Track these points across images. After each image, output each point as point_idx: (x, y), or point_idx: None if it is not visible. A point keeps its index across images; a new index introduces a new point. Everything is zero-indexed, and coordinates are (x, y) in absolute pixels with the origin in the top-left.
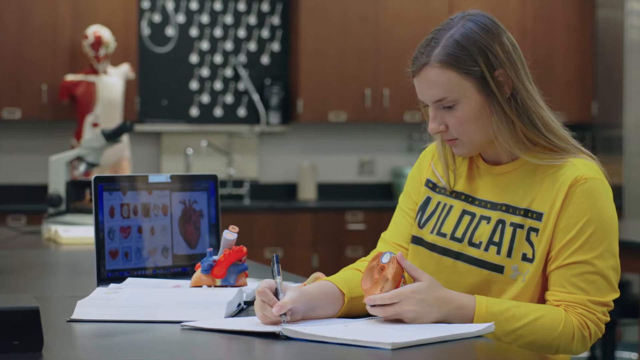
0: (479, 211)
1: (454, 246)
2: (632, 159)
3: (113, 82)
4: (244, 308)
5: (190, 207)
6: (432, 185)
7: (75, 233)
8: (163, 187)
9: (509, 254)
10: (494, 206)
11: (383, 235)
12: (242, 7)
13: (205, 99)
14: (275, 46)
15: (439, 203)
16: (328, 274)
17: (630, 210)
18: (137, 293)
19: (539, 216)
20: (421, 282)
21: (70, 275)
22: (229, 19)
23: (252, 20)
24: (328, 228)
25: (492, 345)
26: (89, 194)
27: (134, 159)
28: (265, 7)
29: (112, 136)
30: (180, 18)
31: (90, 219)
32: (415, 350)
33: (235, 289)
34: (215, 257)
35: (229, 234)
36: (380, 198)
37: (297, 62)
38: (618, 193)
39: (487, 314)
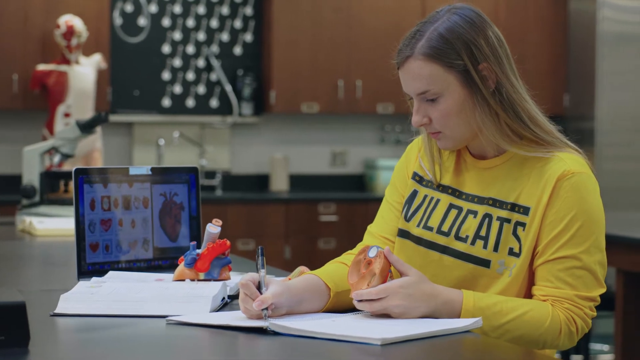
0: (465, 205)
1: (441, 240)
2: (604, 151)
3: (85, 72)
4: (228, 302)
5: (171, 200)
6: (418, 179)
7: (50, 225)
8: (144, 180)
9: (495, 249)
10: (480, 200)
11: (369, 227)
12: None
13: (178, 89)
14: (248, 37)
15: (425, 196)
16: (300, 265)
17: (602, 202)
18: (120, 287)
19: (525, 210)
20: (408, 277)
21: (48, 267)
22: (201, 9)
23: (225, 10)
24: (300, 219)
25: (479, 341)
26: (64, 185)
27: (105, 149)
28: None
29: (86, 127)
30: (153, 8)
31: (65, 210)
32: (405, 345)
33: (219, 283)
34: (199, 251)
35: (213, 228)
36: (352, 189)
37: (270, 53)
38: None
39: (475, 309)
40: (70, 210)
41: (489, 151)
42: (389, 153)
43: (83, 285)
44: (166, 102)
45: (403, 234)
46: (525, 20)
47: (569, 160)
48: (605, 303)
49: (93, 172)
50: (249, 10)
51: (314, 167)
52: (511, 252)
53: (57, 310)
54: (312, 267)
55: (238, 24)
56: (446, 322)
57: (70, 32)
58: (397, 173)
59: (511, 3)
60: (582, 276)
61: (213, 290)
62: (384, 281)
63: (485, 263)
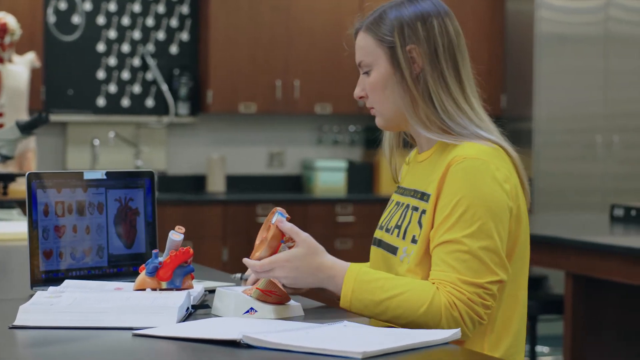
0: (401, 199)
1: (378, 234)
2: (542, 151)
3: (18, 70)
4: (192, 312)
5: (126, 205)
6: (396, 188)
7: None
8: (98, 185)
9: (403, 236)
10: (409, 192)
11: None
12: None
13: (113, 88)
14: (185, 35)
15: (390, 201)
16: (239, 267)
17: (539, 203)
18: (80, 297)
19: (427, 198)
20: (297, 249)
21: None
22: (137, 8)
23: (161, 9)
24: (238, 221)
25: (459, 352)
26: (2, 187)
27: (38, 150)
28: None
29: (27, 128)
30: (87, 6)
31: (5, 213)
32: (386, 358)
33: (184, 292)
34: (161, 259)
35: (175, 235)
36: (289, 190)
37: (207, 52)
38: None
39: (355, 282)
40: (10, 213)
41: (424, 144)
42: (326, 154)
43: (41, 295)
44: (101, 101)
45: None
46: (463, 20)
47: (468, 147)
48: (554, 306)
49: (46, 177)
50: (185, 9)
51: (251, 167)
52: (413, 240)
53: (17, 323)
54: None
55: (174, 22)
56: (427, 334)
57: (3, 30)
58: None
59: (449, 3)
60: (466, 260)
61: (178, 300)
62: (272, 252)
63: (394, 250)
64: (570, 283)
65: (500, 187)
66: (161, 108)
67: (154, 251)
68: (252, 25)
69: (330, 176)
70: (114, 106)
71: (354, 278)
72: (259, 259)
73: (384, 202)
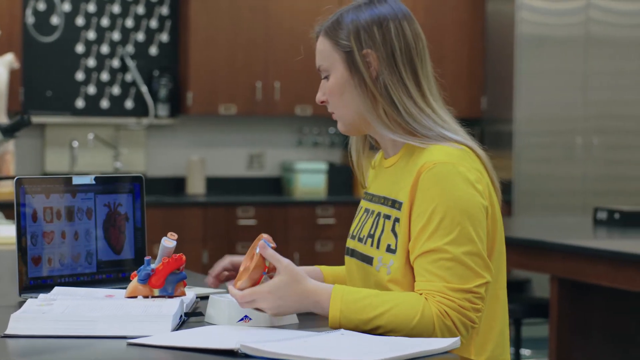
0: (371, 207)
1: (351, 244)
2: (522, 153)
3: None
4: (186, 320)
5: (115, 211)
6: (364, 194)
7: None
8: (87, 190)
9: (377, 246)
10: (378, 199)
11: None
12: None
13: (92, 90)
14: (164, 37)
15: (360, 208)
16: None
17: (519, 205)
18: (72, 305)
19: (400, 205)
20: (278, 278)
21: None
22: (116, 9)
23: (141, 10)
24: (218, 223)
25: None
26: None
27: (16, 151)
28: None
29: (9, 131)
30: (66, 6)
31: None
32: None
33: (177, 300)
34: (153, 266)
35: (168, 242)
36: (269, 192)
37: (187, 54)
38: (507, 188)
39: (342, 303)
40: None
41: (390, 148)
42: (306, 156)
43: (32, 303)
44: (80, 103)
45: None
46: (443, 23)
47: (436, 152)
48: (538, 309)
49: (35, 182)
50: (165, 10)
51: (230, 169)
52: (388, 249)
53: (8, 331)
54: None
55: (154, 23)
56: (426, 342)
57: None
58: None
59: (429, 6)
60: (451, 267)
61: (171, 308)
62: (253, 283)
63: (369, 260)
64: (556, 287)
65: (473, 188)
66: (141, 109)
67: (146, 258)
68: (232, 26)
69: (310, 178)
70: (93, 108)
71: (340, 299)
72: (241, 289)
73: None
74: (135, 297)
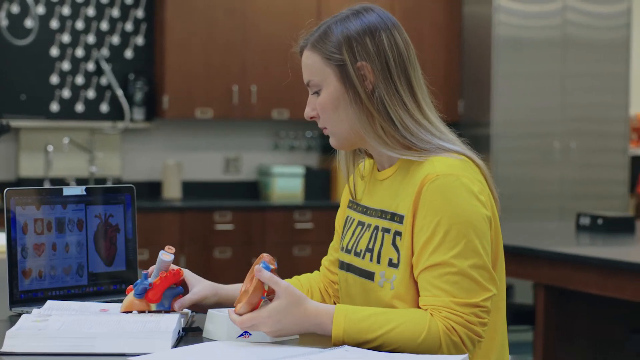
0: (366, 220)
1: (347, 258)
2: (499, 157)
3: None
4: (183, 335)
5: (107, 222)
6: (350, 204)
7: None
8: (78, 201)
9: (378, 260)
10: (374, 212)
11: (322, 260)
12: None
13: (66, 93)
14: (140, 40)
15: (350, 219)
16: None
17: (499, 208)
18: (69, 321)
19: (401, 219)
20: (277, 302)
21: None
22: (91, 11)
23: (115, 13)
24: (196, 228)
25: None
26: None
27: None
28: None
29: None
30: (40, 9)
31: None
32: None
33: (175, 316)
34: (151, 280)
35: (166, 255)
36: (246, 197)
37: (162, 57)
38: None
39: (346, 323)
40: None
41: (385, 161)
42: (283, 159)
43: (27, 319)
44: (54, 106)
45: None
46: (420, 25)
47: (437, 163)
48: (523, 317)
49: (26, 193)
50: (140, 13)
51: (207, 173)
52: (390, 263)
53: (4, 349)
54: (209, 277)
55: (129, 26)
56: (435, 359)
57: None
58: (340, 204)
59: (405, 8)
60: (457, 281)
61: (170, 324)
62: (252, 308)
63: (370, 276)
64: (542, 294)
65: (477, 200)
66: (116, 113)
67: (144, 272)
68: (208, 29)
69: (287, 182)
70: (67, 111)
71: (343, 319)
72: (239, 314)
73: None
74: (131, 311)
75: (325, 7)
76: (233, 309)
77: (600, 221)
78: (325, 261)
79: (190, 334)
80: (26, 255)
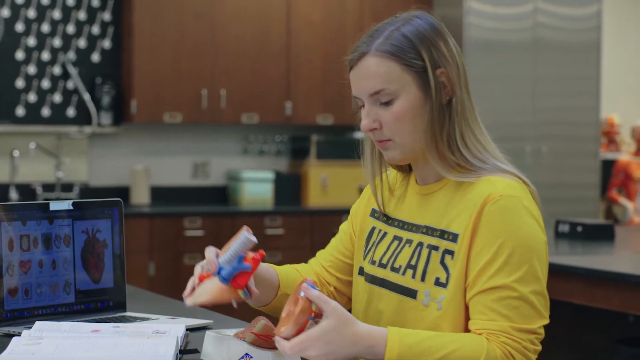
0: (405, 235)
1: (380, 273)
2: None
3: None
4: (181, 358)
5: (94, 237)
6: (377, 215)
7: None
8: (65, 216)
9: (422, 278)
10: (417, 228)
11: (318, 252)
12: (71, 1)
13: (32, 98)
14: (107, 43)
15: (379, 231)
16: (166, 282)
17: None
18: (63, 345)
19: (454, 237)
20: (326, 322)
21: None
22: (57, 14)
23: (82, 15)
24: (165, 234)
25: None
26: None
27: None
28: (95, 2)
29: None
30: (5, 12)
31: None
32: None
33: (172, 338)
34: (244, 265)
35: (252, 236)
36: (215, 202)
37: (130, 61)
38: None
39: (400, 347)
40: None
41: (430, 175)
42: (252, 164)
43: (18, 343)
44: (20, 111)
45: (360, 270)
46: None
47: (497, 183)
48: None
49: (11, 208)
50: (107, 16)
51: (175, 179)
52: (437, 282)
53: None
54: (179, 284)
55: (96, 29)
56: None
57: None
58: (352, 211)
59: (377, 12)
60: (518, 307)
61: (169, 347)
62: (299, 328)
63: (412, 294)
64: None
65: (537, 223)
66: (83, 118)
67: (240, 255)
68: (177, 32)
69: (256, 187)
70: (34, 116)
71: (398, 342)
72: (286, 337)
73: (313, 214)
74: (229, 302)
75: (294, 11)
76: (233, 330)
77: (579, 228)
78: (325, 262)
79: (187, 357)
80: (12, 273)
